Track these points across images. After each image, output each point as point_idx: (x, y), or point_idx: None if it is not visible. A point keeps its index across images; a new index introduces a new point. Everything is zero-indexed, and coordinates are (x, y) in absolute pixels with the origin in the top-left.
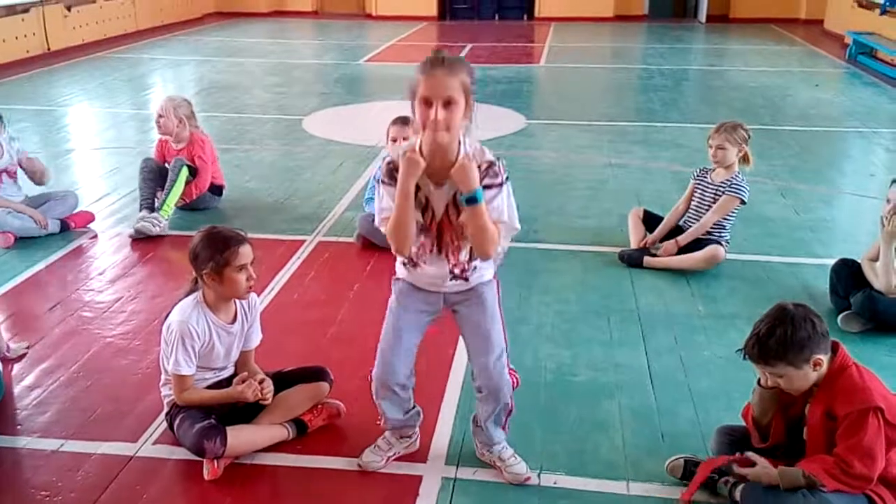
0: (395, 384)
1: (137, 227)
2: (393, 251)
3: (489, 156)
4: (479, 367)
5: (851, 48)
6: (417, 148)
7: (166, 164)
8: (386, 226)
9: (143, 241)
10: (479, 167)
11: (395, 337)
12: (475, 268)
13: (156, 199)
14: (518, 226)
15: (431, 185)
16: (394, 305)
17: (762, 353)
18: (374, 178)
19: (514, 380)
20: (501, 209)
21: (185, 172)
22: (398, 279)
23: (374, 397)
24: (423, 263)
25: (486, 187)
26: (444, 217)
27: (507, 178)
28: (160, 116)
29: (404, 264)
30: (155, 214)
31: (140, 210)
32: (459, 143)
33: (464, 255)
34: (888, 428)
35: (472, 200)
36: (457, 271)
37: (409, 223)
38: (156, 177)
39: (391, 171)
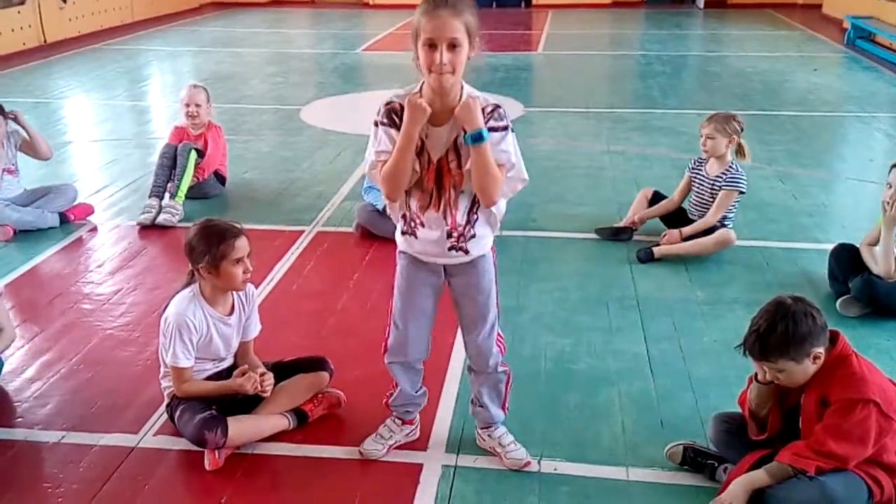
0: (411, 352)
1: (160, 220)
2: (384, 196)
3: (492, 100)
4: (469, 339)
5: (850, 32)
6: (419, 90)
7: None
8: (379, 168)
9: (142, 232)
10: (482, 109)
11: (407, 306)
12: (473, 235)
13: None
14: (526, 177)
15: (429, 125)
16: (401, 279)
17: (763, 349)
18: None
19: (501, 347)
20: (509, 152)
21: (193, 156)
22: (401, 252)
23: (389, 367)
24: (421, 226)
25: (491, 130)
26: (444, 162)
27: (511, 127)
28: (198, 106)
29: (404, 233)
30: (172, 203)
31: (149, 197)
32: (461, 85)
33: (461, 217)
34: (883, 419)
35: (479, 139)
36: (455, 234)
37: (406, 169)
38: (174, 164)
39: (391, 113)
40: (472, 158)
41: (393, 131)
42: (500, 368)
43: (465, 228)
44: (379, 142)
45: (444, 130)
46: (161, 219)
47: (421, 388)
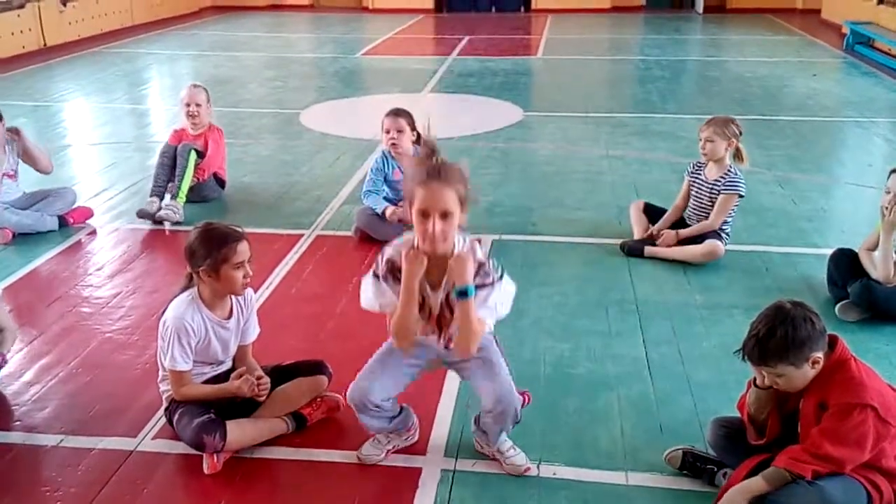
0: (370, 402)
1: (161, 214)
2: (395, 346)
3: (480, 255)
4: (486, 396)
5: (849, 38)
6: (415, 245)
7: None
8: (388, 321)
9: (140, 236)
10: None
11: (382, 369)
12: None
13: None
14: (513, 290)
15: (428, 286)
16: (386, 348)
17: (762, 354)
18: (372, 169)
19: (527, 398)
20: (492, 309)
21: (193, 156)
22: None
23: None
24: (423, 336)
25: (478, 287)
26: (443, 314)
27: (500, 276)
28: (198, 106)
29: None
30: (173, 203)
31: (150, 196)
32: (454, 242)
33: (454, 329)
34: (881, 425)
35: (463, 294)
36: (451, 345)
37: (412, 323)
38: (173, 164)
39: (392, 269)
40: (457, 310)
41: (396, 286)
42: (519, 417)
43: None
44: (383, 295)
45: (440, 291)
46: (161, 213)
47: (398, 415)
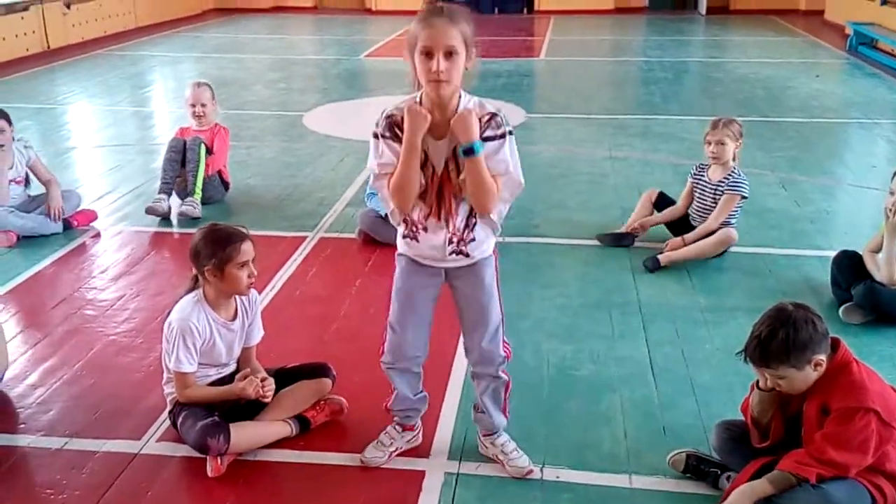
0: (409, 356)
1: (183, 209)
2: (395, 207)
3: (489, 108)
4: (471, 342)
5: (852, 39)
6: (419, 99)
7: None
8: (385, 181)
9: (145, 238)
10: (479, 119)
11: (405, 309)
12: (473, 239)
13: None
14: (523, 181)
15: (431, 138)
16: (399, 282)
17: (763, 356)
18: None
19: (507, 351)
20: (506, 161)
21: (203, 149)
22: (401, 255)
23: (386, 371)
24: (423, 231)
25: (488, 139)
26: (445, 173)
27: (510, 132)
28: (203, 106)
29: (405, 237)
30: (192, 199)
31: (159, 193)
32: (459, 95)
33: (460, 222)
34: (883, 428)
35: (470, 152)
36: (455, 240)
37: (414, 180)
38: (182, 159)
39: (391, 126)
40: (465, 170)
41: (396, 145)
42: (502, 374)
43: (464, 233)
44: (381, 154)
45: (444, 142)
46: (183, 208)
47: (420, 392)
